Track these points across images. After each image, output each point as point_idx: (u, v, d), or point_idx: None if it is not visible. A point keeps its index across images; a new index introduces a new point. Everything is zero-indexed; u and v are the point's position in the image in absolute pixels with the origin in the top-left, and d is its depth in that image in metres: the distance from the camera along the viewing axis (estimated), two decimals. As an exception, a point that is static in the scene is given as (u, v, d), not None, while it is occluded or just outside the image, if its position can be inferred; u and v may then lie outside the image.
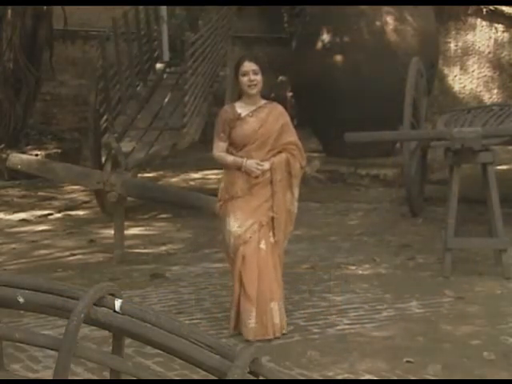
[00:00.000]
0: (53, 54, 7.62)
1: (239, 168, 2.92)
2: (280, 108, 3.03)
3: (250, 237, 2.88)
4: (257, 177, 2.91)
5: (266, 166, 2.92)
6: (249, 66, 2.91)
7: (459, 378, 2.57)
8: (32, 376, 2.54)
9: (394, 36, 6.79)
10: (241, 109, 2.97)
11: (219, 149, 2.98)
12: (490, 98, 9.91)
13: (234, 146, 2.96)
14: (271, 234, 2.93)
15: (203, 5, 8.26)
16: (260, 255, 2.89)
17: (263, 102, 3.01)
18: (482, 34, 9.88)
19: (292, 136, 3.01)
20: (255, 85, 2.92)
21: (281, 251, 3.02)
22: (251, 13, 9.50)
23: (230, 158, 2.96)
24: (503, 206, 3.98)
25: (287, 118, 3.03)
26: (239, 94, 3.00)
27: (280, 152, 2.97)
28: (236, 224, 2.89)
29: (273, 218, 2.93)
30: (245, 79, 2.91)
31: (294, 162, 2.98)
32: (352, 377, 2.60)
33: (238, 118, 2.94)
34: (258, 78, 2.92)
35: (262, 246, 2.90)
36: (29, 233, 5.05)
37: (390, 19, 6.82)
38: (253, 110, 2.97)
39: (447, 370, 2.64)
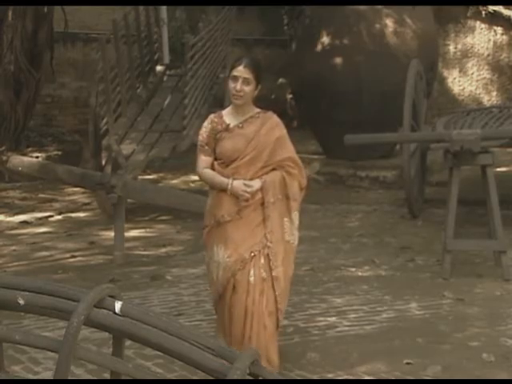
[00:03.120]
0: (53, 57, 7.64)
1: (225, 190, 2.47)
2: (275, 118, 2.58)
3: (239, 269, 2.44)
4: (246, 200, 2.46)
5: (256, 185, 2.46)
6: (241, 72, 2.47)
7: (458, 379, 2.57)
8: (32, 378, 2.54)
9: (393, 38, 6.81)
10: (229, 118, 2.53)
11: (203, 164, 2.54)
12: (490, 100, 9.94)
13: (221, 162, 2.52)
14: (264, 265, 2.45)
15: (203, 5, 8.27)
16: (248, 290, 2.43)
17: (256, 110, 2.56)
18: (482, 37, 9.90)
19: (289, 151, 2.55)
20: (241, 96, 2.47)
21: (282, 292, 2.49)
22: (251, 15, 9.52)
23: (214, 179, 2.51)
24: (503, 208, 3.98)
25: (284, 131, 2.58)
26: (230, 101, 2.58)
27: (274, 169, 2.52)
28: (225, 254, 2.44)
29: (268, 248, 2.46)
30: (232, 86, 2.48)
31: (291, 182, 2.51)
32: (352, 378, 2.60)
33: (226, 129, 2.50)
34: (247, 89, 2.47)
35: (251, 278, 2.44)
36: (29, 235, 5.05)
37: (389, 21, 6.84)
38: (243, 120, 2.52)
39: (447, 371, 2.65)
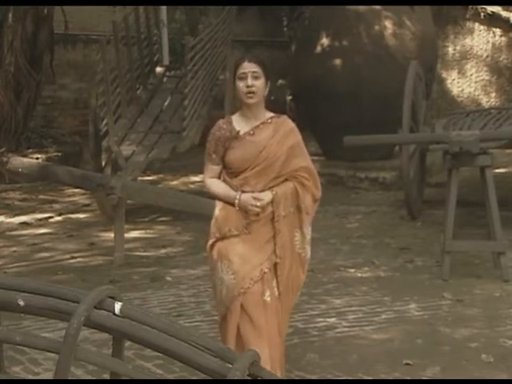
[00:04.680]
0: (53, 58, 7.66)
1: (232, 204, 2.27)
2: (290, 124, 2.36)
3: (248, 287, 2.24)
4: (257, 214, 2.26)
5: (266, 198, 2.25)
6: (248, 67, 2.26)
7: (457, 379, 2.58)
8: (32, 378, 2.55)
9: (392, 40, 6.83)
10: (239, 124, 2.31)
11: (210, 174, 2.34)
12: (488, 101, 9.96)
13: (230, 172, 2.31)
14: (275, 283, 2.29)
15: (203, 5, 8.28)
16: (266, 312, 2.24)
17: (269, 115, 2.34)
18: (480, 38, 9.93)
19: (304, 160, 2.34)
20: (253, 92, 2.25)
21: (287, 307, 2.34)
22: (251, 17, 9.55)
23: (221, 190, 2.31)
24: (501, 209, 3.99)
25: (298, 137, 2.36)
26: (239, 105, 2.39)
27: (286, 180, 2.31)
28: (230, 271, 2.24)
29: (276, 264, 2.28)
30: (241, 84, 2.26)
31: (303, 194, 2.31)
32: (351, 379, 2.61)
33: (236, 136, 2.29)
34: (258, 83, 2.26)
35: (267, 298, 2.26)
36: (29, 236, 5.06)
37: (388, 23, 6.86)
38: (254, 126, 2.30)
39: (446, 372, 2.65)
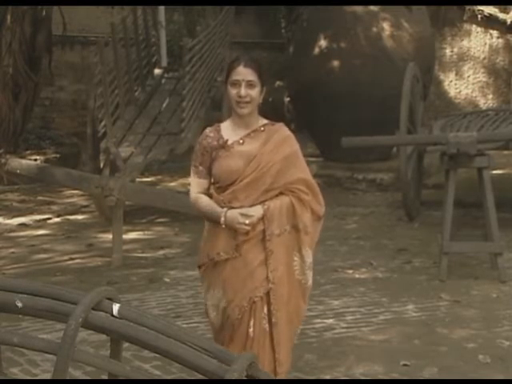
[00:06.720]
0: (52, 60, 7.67)
1: (218, 223, 2.02)
2: (285, 132, 2.09)
3: (237, 318, 2.02)
4: (246, 233, 2.00)
5: (256, 214, 1.99)
6: (244, 73, 2.01)
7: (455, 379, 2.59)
8: (31, 379, 2.55)
9: (390, 42, 6.85)
10: (228, 132, 2.06)
11: (197, 188, 2.08)
12: (485, 103, 10.00)
13: (217, 186, 2.07)
14: (266, 314, 2.02)
15: (201, 5, 8.29)
16: (245, 345, 2.00)
17: (262, 122, 2.09)
18: (478, 40, 9.97)
19: (301, 172, 2.06)
20: (246, 103, 2.01)
21: (282, 340, 2.04)
22: (249, 18, 9.57)
23: (207, 208, 2.05)
24: (499, 211, 4.01)
25: (295, 147, 2.09)
26: (230, 109, 2.13)
27: (281, 194, 2.03)
28: (224, 299, 2.04)
29: (270, 290, 2.02)
30: (233, 92, 2.02)
31: (301, 210, 2.02)
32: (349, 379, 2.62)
33: (223, 146, 2.04)
34: (253, 92, 2.01)
35: (250, 330, 2.01)
36: (28, 237, 5.06)
37: (386, 25, 6.88)
38: (245, 134, 2.05)
39: (443, 372, 2.66)
